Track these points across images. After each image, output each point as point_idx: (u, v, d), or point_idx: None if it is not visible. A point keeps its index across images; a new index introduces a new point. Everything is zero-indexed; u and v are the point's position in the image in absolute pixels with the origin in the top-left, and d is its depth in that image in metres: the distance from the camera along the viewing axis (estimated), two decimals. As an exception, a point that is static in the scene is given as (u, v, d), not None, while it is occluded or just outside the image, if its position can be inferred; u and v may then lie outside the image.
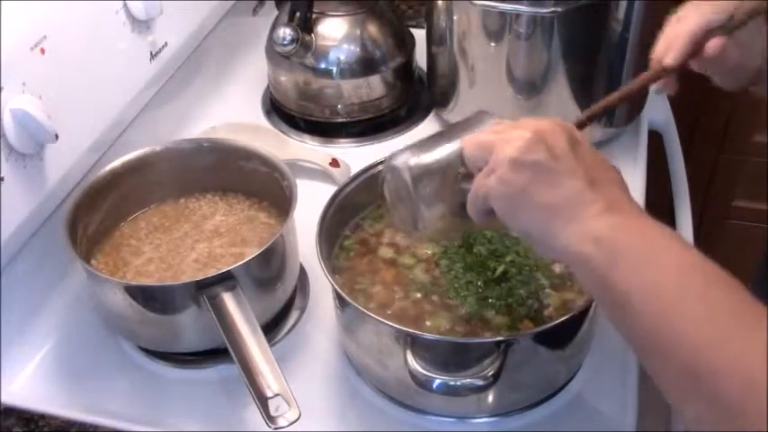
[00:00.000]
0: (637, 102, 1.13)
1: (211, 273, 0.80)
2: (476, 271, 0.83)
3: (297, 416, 0.70)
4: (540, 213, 0.59)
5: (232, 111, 1.23)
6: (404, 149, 0.70)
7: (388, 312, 0.81)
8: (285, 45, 1.10)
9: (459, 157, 0.66)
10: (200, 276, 0.82)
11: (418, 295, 0.83)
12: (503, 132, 0.62)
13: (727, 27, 0.73)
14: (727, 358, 0.48)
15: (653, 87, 0.78)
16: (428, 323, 0.80)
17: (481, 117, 0.70)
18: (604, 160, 0.62)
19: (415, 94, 1.24)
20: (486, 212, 0.63)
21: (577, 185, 0.58)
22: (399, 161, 0.69)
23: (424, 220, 0.69)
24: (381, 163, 0.91)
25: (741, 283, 0.52)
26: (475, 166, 0.63)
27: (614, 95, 0.74)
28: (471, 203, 0.64)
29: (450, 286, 0.82)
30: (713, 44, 0.72)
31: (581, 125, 0.71)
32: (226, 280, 0.79)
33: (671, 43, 0.74)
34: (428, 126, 1.20)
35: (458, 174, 0.66)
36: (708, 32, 0.73)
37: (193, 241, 0.92)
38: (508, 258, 0.84)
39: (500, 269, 0.83)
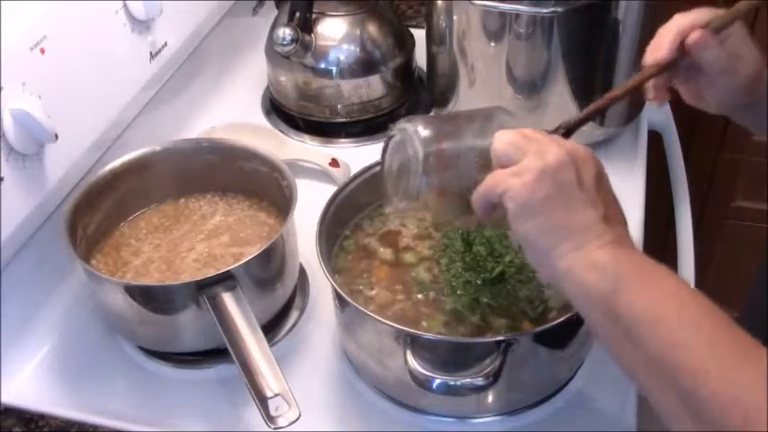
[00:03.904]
0: (636, 102, 1.13)
1: (211, 273, 0.80)
2: (475, 271, 0.83)
3: (297, 416, 0.70)
4: (551, 230, 0.61)
5: (232, 111, 1.23)
6: (419, 118, 0.70)
7: (388, 313, 0.81)
8: (285, 45, 1.10)
9: (477, 146, 0.66)
10: (199, 276, 0.82)
11: (419, 296, 0.83)
12: (538, 142, 0.63)
13: (711, 25, 0.74)
14: (727, 388, 0.51)
15: (650, 100, 0.80)
16: (424, 324, 0.80)
17: (494, 111, 0.70)
18: (618, 201, 0.65)
19: (415, 94, 1.24)
20: (492, 207, 0.64)
21: (593, 216, 0.61)
22: (415, 128, 0.68)
23: (423, 194, 0.68)
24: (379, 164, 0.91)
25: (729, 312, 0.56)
26: (499, 162, 0.63)
27: (609, 95, 0.75)
28: (482, 195, 0.64)
29: (447, 285, 0.82)
30: (694, 35, 0.74)
31: (576, 126, 0.72)
32: (225, 280, 0.79)
33: (660, 42, 0.76)
34: (428, 126, 1.20)
35: (475, 160, 0.67)
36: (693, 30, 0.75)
37: (193, 241, 0.92)
38: (507, 258, 0.84)
39: (498, 269, 0.82)
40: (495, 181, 0.63)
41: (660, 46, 0.75)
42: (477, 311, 0.80)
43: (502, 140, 0.63)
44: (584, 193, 0.61)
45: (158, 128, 1.11)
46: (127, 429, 0.81)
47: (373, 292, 0.84)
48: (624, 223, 0.64)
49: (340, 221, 0.89)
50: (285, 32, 1.10)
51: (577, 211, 0.61)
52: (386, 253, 0.88)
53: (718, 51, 0.74)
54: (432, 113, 1.21)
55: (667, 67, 0.75)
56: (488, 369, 0.71)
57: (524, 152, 0.62)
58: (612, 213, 0.63)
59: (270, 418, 0.70)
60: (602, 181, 0.63)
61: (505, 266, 0.83)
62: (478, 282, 0.82)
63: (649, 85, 0.78)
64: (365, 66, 1.15)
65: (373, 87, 1.17)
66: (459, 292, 0.81)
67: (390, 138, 0.72)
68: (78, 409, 0.83)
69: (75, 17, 0.86)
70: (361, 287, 0.84)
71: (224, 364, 0.86)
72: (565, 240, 0.60)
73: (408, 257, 0.87)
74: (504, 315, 0.80)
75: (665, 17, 0.78)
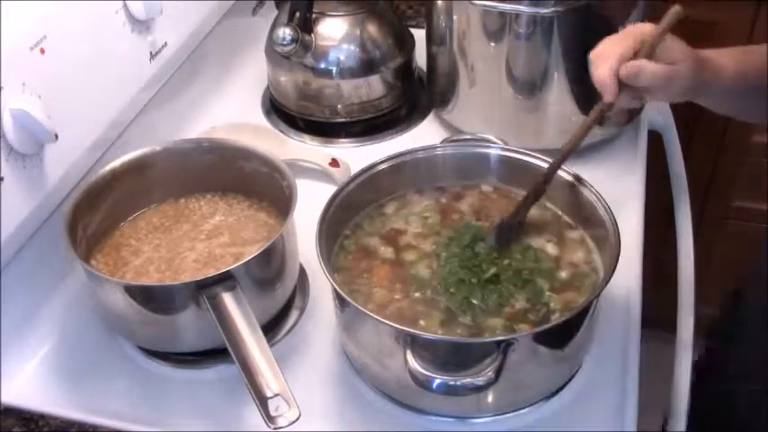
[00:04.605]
0: (637, 102, 1.13)
1: (211, 273, 0.80)
2: (471, 270, 0.83)
3: (297, 416, 0.70)
4: None
5: (232, 111, 1.23)
6: None
7: (386, 312, 0.81)
8: (285, 45, 1.10)
9: None
10: (199, 276, 0.82)
11: (416, 294, 0.83)
12: None
13: (641, 54, 0.77)
14: None
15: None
16: (422, 323, 0.80)
17: None
18: None
19: (415, 94, 1.24)
20: None
21: None
22: None
23: None
24: (382, 162, 0.91)
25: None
26: None
27: (574, 138, 0.82)
28: None
29: (442, 282, 0.83)
30: (624, 70, 0.77)
31: (550, 175, 0.80)
32: (225, 280, 0.79)
33: (602, 85, 0.78)
34: (428, 126, 1.20)
35: None
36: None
37: (193, 241, 0.92)
38: (505, 261, 0.84)
39: (491, 271, 0.83)
40: None
41: (603, 88, 0.78)
42: (467, 313, 0.80)
43: None
44: None
45: (158, 128, 1.11)
46: (127, 429, 0.81)
47: (372, 292, 0.84)
48: None
49: (340, 221, 0.89)
50: (285, 32, 1.10)
51: None
52: (387, 252, 0.88)
53: (653, 71, 0.76)
54: (431, 114, 1.21)
55: (611, 107, 0.80)
56: (488, 369, 0.71)
57: None
58: None
59: (270, 418, 0.70)
60: None
61: (501, 269, 0.84)
62: (473, 280, 0.82)
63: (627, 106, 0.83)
64: (365, 66, 1.15)
65: (373, 87, 1.17)
66: (451, 291, 0.81)
67: None
68: (78, 409, 0.83)
69: (75, 17, 0.86)
70: (360, 286, 0.84)
71: (224, 364, 0.86)
72: None
73: (409, 255, 0.87)
74: (500, 316, 0.80)
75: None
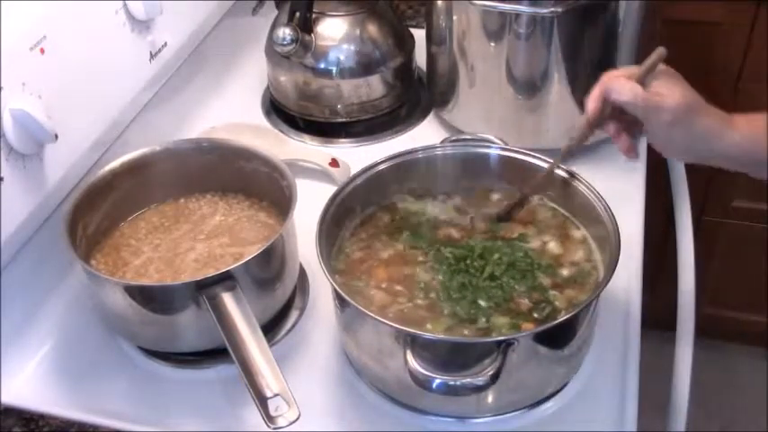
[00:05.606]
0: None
1: (211, 273, 0.80)
2: (468, 272, 0.83)
3: (296, 416, 0.70)
4: None
5: (232, 111, 1.23)
6: None
7: (389, 314, 0.81)
8: (285, 45, 1.10)
9: None
10: (199, 276, 0.82)
11: (419, 296, 0.83)
12: None
13: (633, 77, 0.77)
14: None
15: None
16: (429, 326, 0.80)
17: None
18: None
19: (415, 94, 1.24)
20: None
21: None
22: None
23: None
24: (382, 162, 0.91)
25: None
26: None
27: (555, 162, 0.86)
28: None
29: (444, 289, 0.83)
30: (606, 82, 0.77)
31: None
32: (225, 280, 0.79)
33: (587, 105, 0.80)
34: (428, 126, 1.20)
35: None
36: None
37: (193, 241, 0.92)
38: (495, 256, 0.84)
39: (488, 269, 0.83)
40: None
41: (586, 106, 0.80)
42: (480, 316, 0.80)
43: None
44: None
45: (158, 128, 1.11)
46: (127, 429, 0.81)
47: (372, 292, 0.84)
48: None
49: (340, 221, 0.89)
50: (285, 32, 1.10)
51: None
52: (385, 252, 0.88)
53: (633, 92, 0.76)
54: (431, 114, 1.21)
55: (596, 123, 0.81)
56: (488, 369, 0.71)
57: None
58: None
59: (269, 418, 0.70)
60: None
61: (494, 265, 0.84)
62: (473, 282, 0.82)
63: (619, 148, 0.82)
64: (365, 66, 1.15)
65: (373, 87, 1.17)
66: (455, 297, 0.81)
67: None
68: (78, 409, 0.83)
69: (75, 17, 0.86)
70: (359, 286, 0.84)
71: (224, 364, 0.86)
72: None
73: (410, 255, 0.87)
74: (505, 314, 0.80)
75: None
